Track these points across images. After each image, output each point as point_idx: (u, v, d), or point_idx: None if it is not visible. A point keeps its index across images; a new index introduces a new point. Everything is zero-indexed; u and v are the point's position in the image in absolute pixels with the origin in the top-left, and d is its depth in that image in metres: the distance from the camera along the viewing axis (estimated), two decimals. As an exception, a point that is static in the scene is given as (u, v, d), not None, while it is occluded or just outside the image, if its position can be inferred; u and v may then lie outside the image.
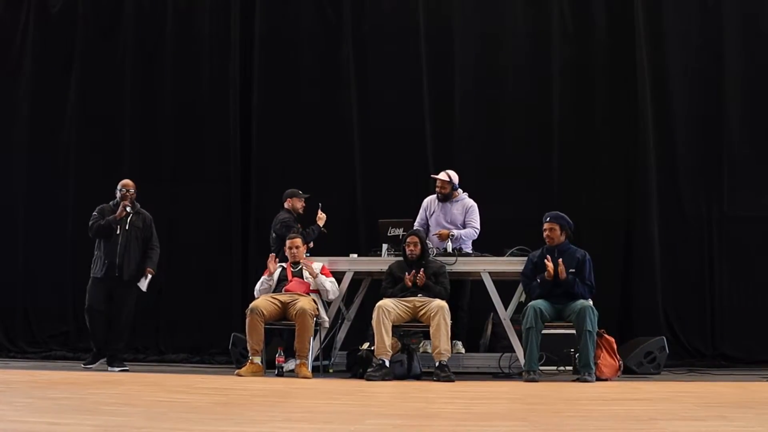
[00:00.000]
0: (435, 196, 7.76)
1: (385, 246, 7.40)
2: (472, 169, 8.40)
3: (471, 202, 7.68)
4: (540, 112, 8.73)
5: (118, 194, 7.56)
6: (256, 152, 9.00)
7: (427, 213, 7.76)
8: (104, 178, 8.36)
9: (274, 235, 7.78)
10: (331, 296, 7.09)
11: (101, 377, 6.49)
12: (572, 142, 8.65)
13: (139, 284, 7.50)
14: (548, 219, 6.87)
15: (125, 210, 7.46)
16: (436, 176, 7.74)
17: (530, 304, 6.66)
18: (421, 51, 8.78)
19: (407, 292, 6.95)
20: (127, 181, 7.65)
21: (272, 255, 7.29)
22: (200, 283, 8.86)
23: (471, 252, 7.52)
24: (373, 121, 8.91)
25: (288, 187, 7.96)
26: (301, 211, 7.80)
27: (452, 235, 7.42)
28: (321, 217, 7.70)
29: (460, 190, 7.72)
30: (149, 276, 7.53)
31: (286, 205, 7.85)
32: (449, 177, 7.65)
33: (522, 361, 6.71)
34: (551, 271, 6.65)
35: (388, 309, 6.76)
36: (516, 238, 7.48)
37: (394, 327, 6.76)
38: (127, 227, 7.45)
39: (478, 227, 7.63)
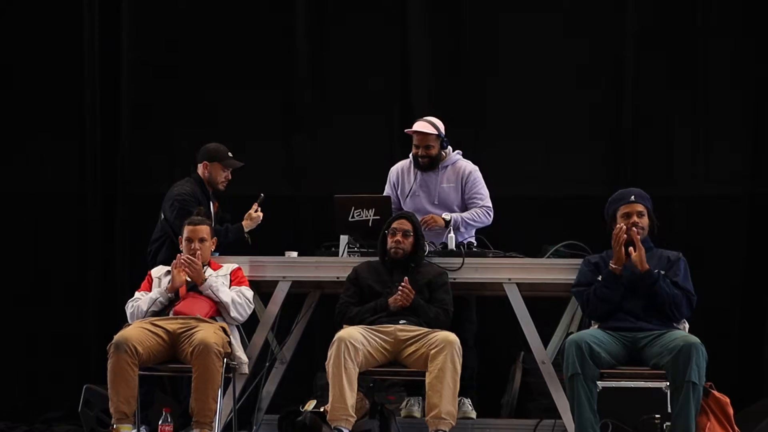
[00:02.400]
0: (408, 162, 7.33)
1: (344, 239, 6.88)
2: (488, 118, 8.15)
3: (469, 166, 7.27)
4: (606, 22, 8.25)
5: None
6: (126, 80, 8.50)
7: (399, 191, 7.30)
8: None
9: (162, 217, 7.22)
10: (233, 314, 6.58)
11: None
12: (654, 70, 8.22)
13: None
14: (633, 198, 6.30)
15: None
16: (411, 130, 7.21)
17: (571, 337, 6.08)
18: None
19: (383, 316, 6.38)
20: None
21: (180, 257, 6.71)
22: (30, 300, 8.39)
23: (488, 250, 6.91)
24: (331, 32, 8.44)
25: (184, 140, 7.50)
26: (221, 186, 7.27)
27: (449, 221, 6.96)
28: (254, 216, 7.18)
29: (450, 148, 7.25)
30: None
31: (199, 171, 7.26)
32: (435, 128, 7.11)
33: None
34: (623, 256, 6.10)
35: (355, 344, 6.14)
36: (561, 229, 7.27)
37: (361, 375, 6.23)
38: None
39: (491, 205, 7.19)
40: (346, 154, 8.35)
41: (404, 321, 6.33)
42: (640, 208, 6.33)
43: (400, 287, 6.36)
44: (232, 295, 6.59)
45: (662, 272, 6.27)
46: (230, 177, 7.37)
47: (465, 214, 7.12)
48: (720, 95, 8.22)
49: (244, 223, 7.19)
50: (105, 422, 6.72)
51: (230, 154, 7.33)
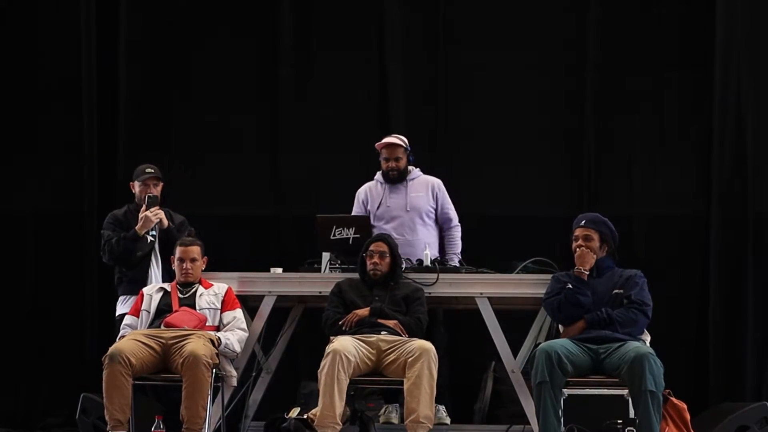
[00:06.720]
0: (374, 181, 7.44)
1: (326, 256, 6.97)
2: (462, 143, 8.13)
3: (435, 179, 7.42)
4: (570, 55, 8.33)
5: None
6: (124, 102, 8.51)
7: (369, 206, 7.40)
8: None
9: None
10: (238, 348, 6.67)
11: None
12: (615, 98, 8.29)
13: None
14: (583, 223, 6.46)
15: None
16: (381, 143, 7.29)
17: (542, 345, 6.16)
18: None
19: (365, 326, 6.47)
20: None
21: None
22: (32, 314, 8.40)
23: (461, 266, 6.98)
24: (316, 58, 8.48)
25: (179, 161, 7.63)
26: (142, 201, 7.08)
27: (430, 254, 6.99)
28: (144, 218, 6.92)
29: (412, 167, 7.42)
30: None
31: None
32: (403, 141, 7.28)
33: (538, 435, 6.22)
34: (584, 260, 6.32)
35: (349, 357, 6.22)
36: (531, 245, 7.26)
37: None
38: None
39: (458, 220, 7.36)
40: (328, 176, 8.35)
41: (385, 332, 6.43)
42: (587, 232, 6.46)
43: (345, 321, 6.48)
44: (239, 343, 6.62)
45: (620, 291, 6.40)
46: (150, 190, 7.14)
47: (453, 249, 7.28)
48: (676, 124, 8.26)
49: (137, 227, 7.00)
50: (101, 429, 6.73)
51: (149, 170, 7.20)
